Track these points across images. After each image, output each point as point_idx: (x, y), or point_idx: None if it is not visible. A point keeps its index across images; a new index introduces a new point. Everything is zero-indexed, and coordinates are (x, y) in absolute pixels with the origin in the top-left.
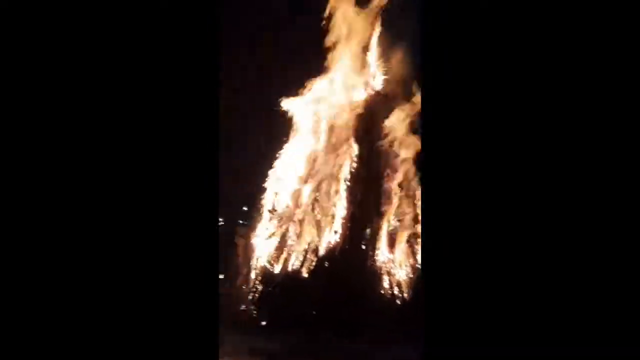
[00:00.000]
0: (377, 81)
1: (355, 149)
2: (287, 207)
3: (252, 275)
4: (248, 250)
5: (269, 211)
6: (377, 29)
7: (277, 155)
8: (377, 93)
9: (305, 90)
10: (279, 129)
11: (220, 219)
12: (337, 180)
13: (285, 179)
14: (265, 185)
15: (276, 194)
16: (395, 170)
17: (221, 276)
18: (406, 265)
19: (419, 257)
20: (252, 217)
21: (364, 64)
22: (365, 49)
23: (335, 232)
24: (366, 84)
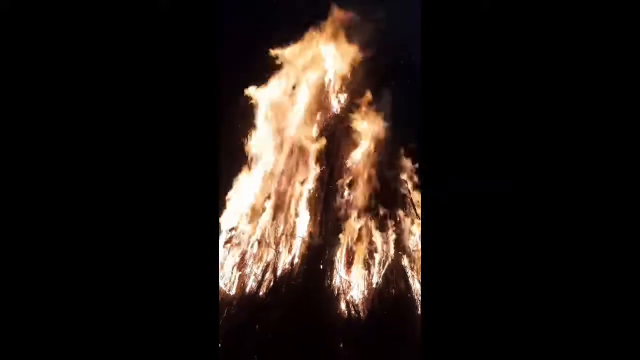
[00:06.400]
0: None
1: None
2: (243, 233)
3: None
4: None
5: (225, 242)
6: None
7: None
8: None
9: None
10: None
11: None
12: (296, 202)
13: (243, 201)
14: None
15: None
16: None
17: None
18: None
19: (374, 277)
20: None
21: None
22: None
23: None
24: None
